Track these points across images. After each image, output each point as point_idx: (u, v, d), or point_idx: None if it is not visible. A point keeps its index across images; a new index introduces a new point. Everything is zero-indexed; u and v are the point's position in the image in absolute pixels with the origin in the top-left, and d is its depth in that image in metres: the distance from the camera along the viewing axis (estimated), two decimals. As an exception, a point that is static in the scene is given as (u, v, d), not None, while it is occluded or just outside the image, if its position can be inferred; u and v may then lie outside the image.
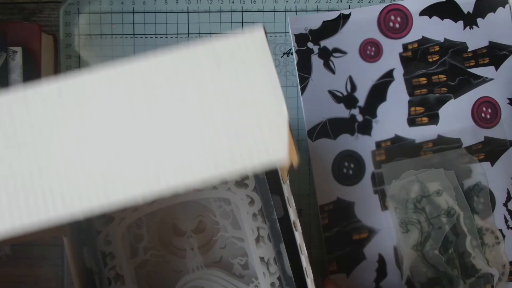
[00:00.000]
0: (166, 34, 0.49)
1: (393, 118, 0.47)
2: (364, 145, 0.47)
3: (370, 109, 0.47)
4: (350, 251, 0.46)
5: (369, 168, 0.47)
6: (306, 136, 0.47)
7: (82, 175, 0.24)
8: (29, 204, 0.23)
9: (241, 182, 0.40)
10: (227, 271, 0.42)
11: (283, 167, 0.33)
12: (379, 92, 0.48)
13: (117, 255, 0.39)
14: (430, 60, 0.48)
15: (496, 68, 0.48)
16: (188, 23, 0.49)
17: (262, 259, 0.40)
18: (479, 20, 0.48)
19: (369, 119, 0.47)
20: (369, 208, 0.46)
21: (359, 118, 0.47)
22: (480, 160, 0.47)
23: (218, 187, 0.40)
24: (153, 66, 0.25)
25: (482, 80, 0.48)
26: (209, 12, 0.49)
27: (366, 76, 0.48)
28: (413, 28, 0.48)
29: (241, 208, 0.40)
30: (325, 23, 0.48)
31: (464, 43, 0.48)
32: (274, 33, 0.49)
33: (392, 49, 0.48)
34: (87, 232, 0.39)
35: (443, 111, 0.48)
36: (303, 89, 0.47)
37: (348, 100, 0.47)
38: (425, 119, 0.47)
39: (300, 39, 0.47)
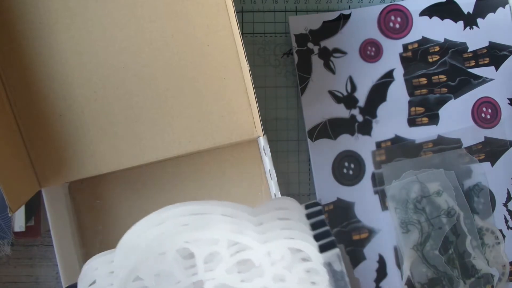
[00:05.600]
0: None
1: (393, 118, 0.47)
2: (364, 145, 0.47)
3: (370, 109, 0.47)
4: (350, 251, 0.46)
5: (369, 168, 0.47)
6: (306, 136, 0.47)
7: None
8: None
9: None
10: None
11: None
12: (379, 92, 0.48)
13: None
14: (430, 60, 0.48)
15: (496, 68, 0.48)
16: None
17: None
18: (479, 20, 0.48)
19: (369, 119, 0.47)
20: (369, 208, 0.46)
21: (359, 118, 0.47)
22: (480, 160, 0.47)
23: None
24: None
25: (482, 80, 0.48)
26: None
27: (366, 76, 0.48)
28: (413, 28, 0.48)
29: None
30: (325, 23, 0.48)
31: (464, 43, 0.48)
32: (274, 33, 0.49)
33: (392, 49, 0.48)
34: None
35: (443, 112, 0.48)
36: (303, 89, 0.47)
37: (348, 100, 0.47)
38: (425, 119, 0.47)
39: (300, 39, 0.47)
